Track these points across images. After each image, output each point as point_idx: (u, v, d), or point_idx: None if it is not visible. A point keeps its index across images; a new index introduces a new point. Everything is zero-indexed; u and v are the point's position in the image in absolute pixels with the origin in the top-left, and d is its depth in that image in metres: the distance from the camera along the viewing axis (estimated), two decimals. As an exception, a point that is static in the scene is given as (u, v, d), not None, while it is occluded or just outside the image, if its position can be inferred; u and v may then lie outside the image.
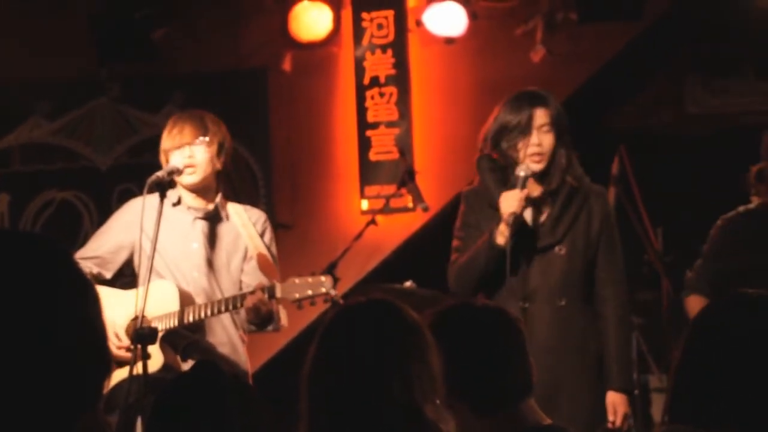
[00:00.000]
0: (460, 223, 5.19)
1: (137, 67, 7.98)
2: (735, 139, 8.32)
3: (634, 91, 8.64)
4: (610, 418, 4.97)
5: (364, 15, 7.89)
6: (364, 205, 7.80)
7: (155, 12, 7.73)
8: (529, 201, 5.00)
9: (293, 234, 7.53)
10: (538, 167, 4.99)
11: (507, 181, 5.03)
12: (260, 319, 5.05)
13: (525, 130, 4.99)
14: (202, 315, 5.06)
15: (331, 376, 2.78)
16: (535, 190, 5.04)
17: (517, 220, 4.92)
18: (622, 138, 7.35)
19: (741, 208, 5.38)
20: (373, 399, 2.73)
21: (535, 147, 4.99)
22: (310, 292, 4.92)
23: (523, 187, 4.93)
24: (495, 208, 4.98)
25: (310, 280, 4.94)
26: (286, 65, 7.90)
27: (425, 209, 6.29)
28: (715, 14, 7.80)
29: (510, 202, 4.91)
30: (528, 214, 5.08)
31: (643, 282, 7.19)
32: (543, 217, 5.07)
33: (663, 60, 8.41)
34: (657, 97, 8.86)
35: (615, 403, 5.00)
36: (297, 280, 4.96)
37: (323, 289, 4.92)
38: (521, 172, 4.95)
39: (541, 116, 5.01)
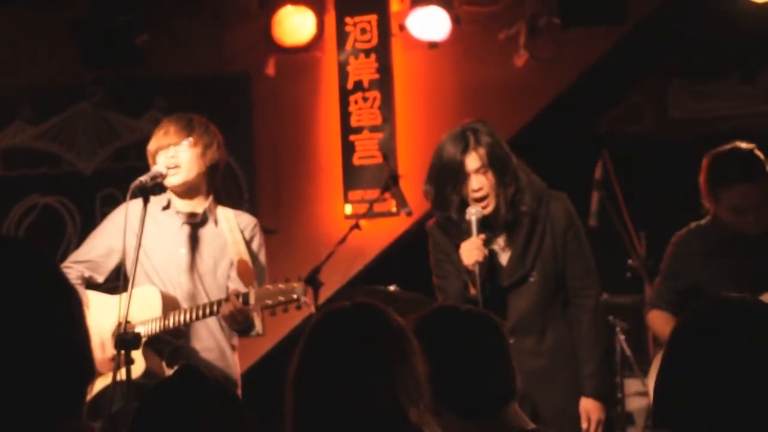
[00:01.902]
0: (434, 260, 5.16)
1: (120, 72, 7.96)
2: (718, 144, 8.33)
3: (617, 95, 8.65)
4: (584, 425, 4.96)
5: (348, 19, 7.89)
6: (348, 209, 7.80)
7: (138, 17, 7.72)
8: (487, 243, 4.96)
9: (277, 239, 7.51)
10: (486, 210, 4.95)
11: (454, 223, 5.00)
12: (238, 325, 5.05)
13: (459, 179, 4.94)
14: (181, 320, 5.05)
15: (316, 378, 2.78)
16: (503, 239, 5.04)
17: (484, 268, 4.87)
18: (605, 142, 7.36)
19: (693, 225, 5.38)
20: (357, 402, 2.73)
21: (476, 192, 4.94)
22: (281, 299, 4.92)
23: (478, 232, 4.89)
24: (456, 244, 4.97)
25: (282, 286, 4.93)
26: (270, 70, 7.89)
27: (409, 213, 6.30)
28: (699, 19, 7.82)
29: (471, 252, 4.86)
30: (501, 257, 5.06)
31: (627, 286, 7.20)
32: (510, 253, 5.04)
33: (646, 65, 8.43)
34: (640, 102, 8.89)
35: (588, 409, 4.98)
36: (270, 287, 4.96)
37: (294, 296, 4.92)
38: (471, 216, 4.91)
39: (472, 161, 4.93)
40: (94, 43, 7.67)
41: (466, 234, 4.93)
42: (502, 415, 3.14)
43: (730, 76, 8.67)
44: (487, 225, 4.97)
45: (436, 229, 5.15)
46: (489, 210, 4.95)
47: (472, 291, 4.90)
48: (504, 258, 5.06)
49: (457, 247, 4.95)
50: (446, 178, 4.96)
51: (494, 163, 4.94)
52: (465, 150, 4.93)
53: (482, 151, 4.94)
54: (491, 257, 5.00)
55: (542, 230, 5.02)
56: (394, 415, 2.73)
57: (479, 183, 4.93)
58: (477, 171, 4.93)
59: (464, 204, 4.96)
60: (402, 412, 2.73)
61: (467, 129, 4.99)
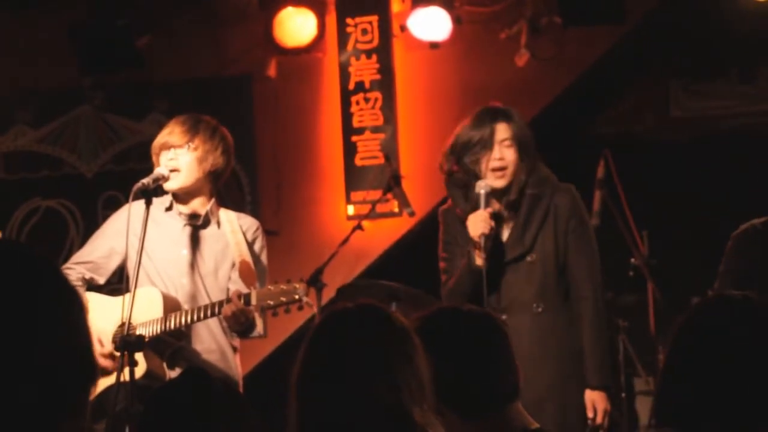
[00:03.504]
0: (442, 244, 5.24)
1: (121, 75, 7.96)
2: (719, 143, 8.35)
3: (618, 94, 8.66)
4: (590, 415, 4.99)
5: (349, 20, 7.90)
6: (350, 210, 7.80)
7: (138, 19, 7.72)
8: (493, 216, 5.04)
9: (279, 240, 7.51)
10: (500, 183, 5.08)
11: (469, 196, 5.07)
12: (240, 326, 5.05)
13: (487, 144, 5.08)
14: (183, 322, 5.05)
15: (320, 380, 2.78)
16: (496, 205, 5.10)
17: (489, 240, 4.96)
18: (606, 142, 7.36)
19: (756, 222, 5.30)
20: (361, 403, 2.73)
21: (497, 161, 5.07)
22: (283, 299, 4.92)
23: (486, 205, 5.01)
24: (464, 224, 5.03)
25: (284, 287, 4.94)
26: (271, 71, 7.89)
27: (411, 214, 6.30)
28: (699, 18, 7.83)
29: (477, 224, 4.98)
30: (504, 232, 5.13)
31: (629, 285, 7.21)
32: (509, 230, 5.11)
33: (647, 64, 8.43)
34: (641, 101, 8.89)
35: (594, 400, 5.02)
36: (271, 287, 4.97)
37: (296, 296, 4.92)
38: (481, 189, 5.03)
39: (502, 131, 5.09)
40: (95, 46, 7.67)
41: (474, 206, 5.04)
42: (505, 414, 3.14)
43: (730, 75, 8.67)
44: (496, 197, 5.08)
45: (447, 211, 5.23)
46: (502, 183, 5.07)
47: (478, 262, 4.96)
48: (505, 234, 5.14)
49: (464, 224, 5.02)
50: (470, 145, 5.10)
51: (519, 141, 5.10)
52: (496, 120, 5.11)
53: (513, 125, 5.11)
54: (496, 232, 5.09)
55: (543, 216, 5.11)
56: (398, 415, 2.73)
57: (501, 153, 5.07)
58: (503, 142, 5.08)
59: (476, 177, 5.07)
60: (406, 413, 2.73)
61: (497, 107, 5.18)
